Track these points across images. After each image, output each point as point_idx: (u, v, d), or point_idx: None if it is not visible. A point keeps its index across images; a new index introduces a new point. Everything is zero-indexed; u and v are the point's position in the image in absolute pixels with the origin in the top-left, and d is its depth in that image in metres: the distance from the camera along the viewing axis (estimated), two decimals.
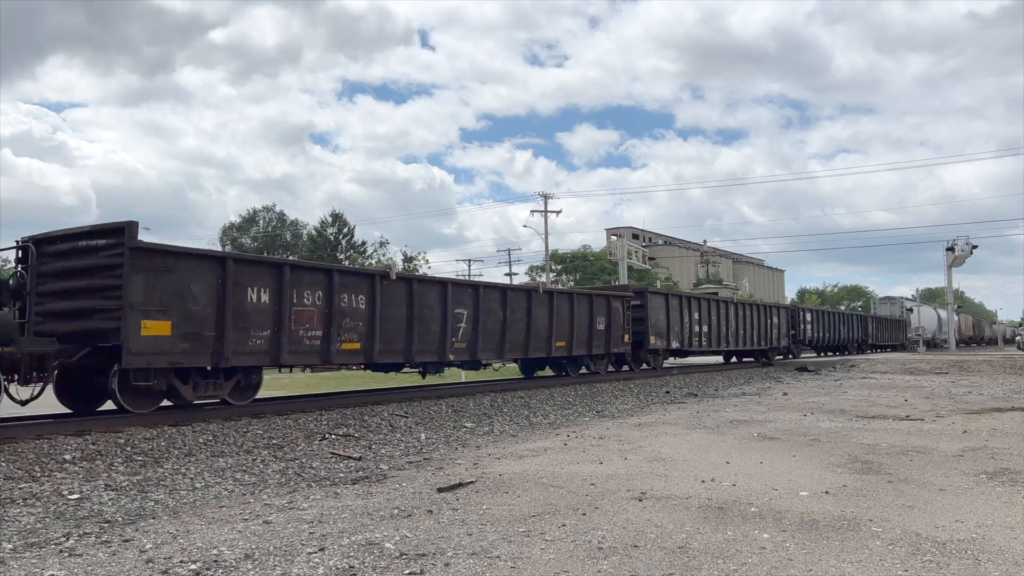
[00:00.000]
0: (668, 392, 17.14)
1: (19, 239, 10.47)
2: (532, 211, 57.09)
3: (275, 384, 23.84)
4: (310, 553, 4.44)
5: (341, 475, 7.23)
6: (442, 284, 14.57)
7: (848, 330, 40.97)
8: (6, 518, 5.47)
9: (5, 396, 9.09)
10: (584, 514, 5.39)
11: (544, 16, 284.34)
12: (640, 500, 5.83)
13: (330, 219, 70.51)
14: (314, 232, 71.45)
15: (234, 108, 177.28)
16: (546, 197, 56.17)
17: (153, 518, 5.48)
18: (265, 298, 10.98)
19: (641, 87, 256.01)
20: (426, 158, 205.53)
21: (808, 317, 35.87)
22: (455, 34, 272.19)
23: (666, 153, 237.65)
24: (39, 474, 7.04)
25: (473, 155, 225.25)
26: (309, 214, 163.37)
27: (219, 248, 60.98)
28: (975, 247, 55.27)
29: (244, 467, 7.63)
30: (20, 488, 6.45)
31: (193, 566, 4.21)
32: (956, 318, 60.30)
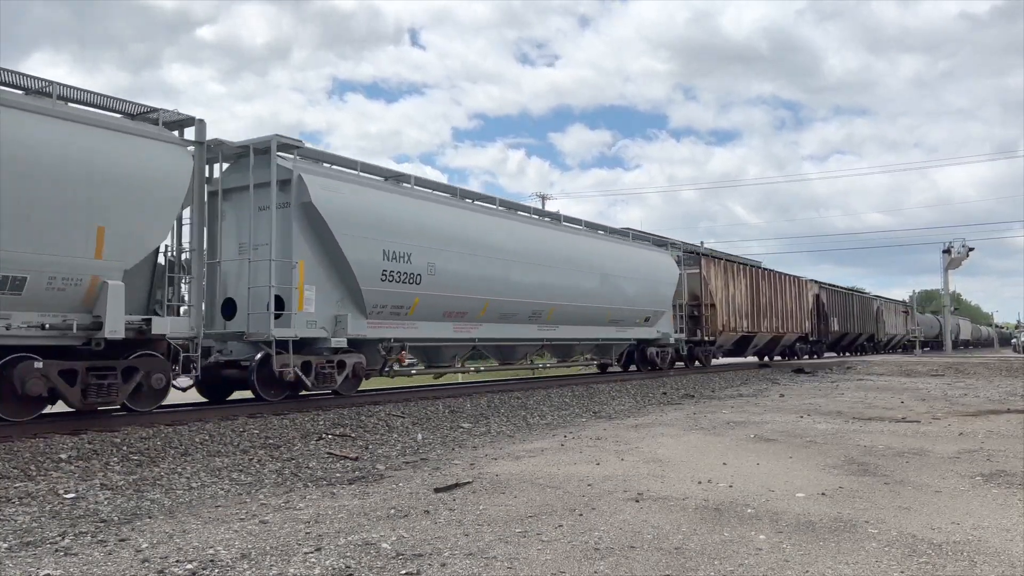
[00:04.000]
0: (665, 393, 17.15)
1: None
2: None
3: None
4: (306, 553, 4.44)
5: (338, 475, 7.22)
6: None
7: None
8: (1, 517, 5.45)
9: None
10: (581, 515, 5.39)
11: (534, 15, 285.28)
12: (637, 501, 5.83)
13: None
14: None
15: (224, 106, 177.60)
16: (544, 197, 56.30)
17: (149, 517, 5.47)
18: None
19: (633, 87, 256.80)
20: (418, 157, 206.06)
21: None
22: (445, 33, 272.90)
23: (659, 154, 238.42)
24: (35, 473, 7.03)
25: (465, 155, 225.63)
26: None
27: None
28: (971, 250, 55.35)
29: (241, 467, 7.62)
30: (15, 487, 6.43)
31: (189, 566, 4.21)
32: (825, 297, 40.39)
